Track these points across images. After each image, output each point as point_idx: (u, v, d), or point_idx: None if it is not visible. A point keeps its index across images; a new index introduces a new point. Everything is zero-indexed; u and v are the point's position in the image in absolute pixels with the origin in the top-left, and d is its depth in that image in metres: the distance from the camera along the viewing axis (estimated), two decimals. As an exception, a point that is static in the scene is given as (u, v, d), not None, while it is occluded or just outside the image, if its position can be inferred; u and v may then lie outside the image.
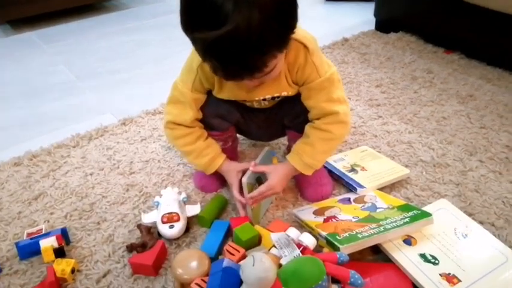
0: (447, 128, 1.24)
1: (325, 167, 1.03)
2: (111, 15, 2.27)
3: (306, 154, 0.89)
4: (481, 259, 0.79)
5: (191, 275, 0.76)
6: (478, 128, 1.23)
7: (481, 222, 0.90)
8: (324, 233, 0.81)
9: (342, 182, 1.03)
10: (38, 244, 0.85)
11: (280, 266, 0.73)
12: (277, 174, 0.90)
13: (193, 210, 0.93)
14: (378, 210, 0.90)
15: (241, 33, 0.62)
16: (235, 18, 0.61)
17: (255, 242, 0.85)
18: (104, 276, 0.83)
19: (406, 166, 1.08)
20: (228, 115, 0.96)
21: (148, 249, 0.85)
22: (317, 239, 0.80)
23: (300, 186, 1.01)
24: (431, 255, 0.79)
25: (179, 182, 1.07)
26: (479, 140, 1.18)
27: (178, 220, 0.88)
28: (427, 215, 0.83)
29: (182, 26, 0.68)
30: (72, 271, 0.82)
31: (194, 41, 0.69)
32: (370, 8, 1.89)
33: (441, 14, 1.61)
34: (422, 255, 0.79)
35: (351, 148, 1.17)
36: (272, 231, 0.84)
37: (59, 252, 0.85)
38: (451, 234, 0.84)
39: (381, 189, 1.00)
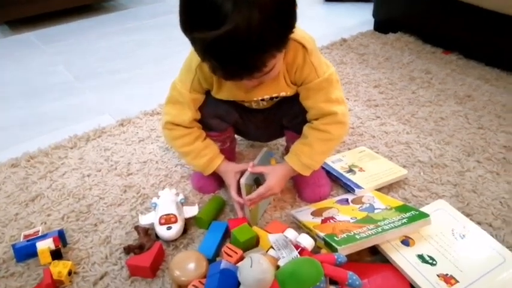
0: (445, 128, 1.24)
1: (323, 167, 1.03)
2: (110, 15, 2.26)
3: (304, 155, 0.89)
4: (478, 260, 0.79)
5: (189, 276, 0.76)
6: (475, 128, 1.23)
7: (478, 223, 0.90)
8: (321, 234, 0.81)
9: (339, 183, 1.03)
10: (35, 246, 0.84)
11: (278, 267, 0.73)
12: (275, 175, 0.90)
13: (191, 211, 0.93)
14: (375, 211, 0.89)
15: (240, 33, 0.62)
16: (235, 18, 0.61)
17: (253, 244, 0.84)
18: (101, 278, 0.83)
19: (404, 167, 1.08)
20: (226, 115, 0.96)
21: (146, 251, 0.84)
22: (315, 240, 0.80)
23: (298, 187, 1.01)
24: (429, 256, 0.79)
25: (177, 183, 1.06)
26: (477, 141, 1.18)
27: (176, 221, 0.88)
28: (424, 215, 0.83)
29: (181, 26, 0.68)
30: (69, 273, 0.82)
31: (193, 41, 0.69)
32: (369, 8, 1.89)
33: (440, 14, 1.61)
34: (420, 256, 0.79)
35: (349, 149, 1.17)
36: (270, 233, 0.84)
37: (56, 254, 0.85)
38: (448, 234, 0.84)
39: (379, 190, 1.00)
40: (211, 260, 0.81)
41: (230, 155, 1.05)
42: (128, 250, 0.87)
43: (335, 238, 0.78)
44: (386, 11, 1.82)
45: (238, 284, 0.68)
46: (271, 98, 0.91)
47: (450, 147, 1.16)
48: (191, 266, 0.78)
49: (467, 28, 1.54)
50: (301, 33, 0.81)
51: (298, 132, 0.92)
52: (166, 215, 0.89)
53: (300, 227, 0.90)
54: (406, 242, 0.82)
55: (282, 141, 1.17)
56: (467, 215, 0.92)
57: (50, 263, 0.83)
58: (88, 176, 1.10)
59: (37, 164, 1.15)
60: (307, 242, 0.78)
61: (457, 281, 0.74)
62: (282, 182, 0.92)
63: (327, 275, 0.69)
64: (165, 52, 1.81)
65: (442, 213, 0.89)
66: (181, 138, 0.93)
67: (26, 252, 0.86)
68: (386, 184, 1.01)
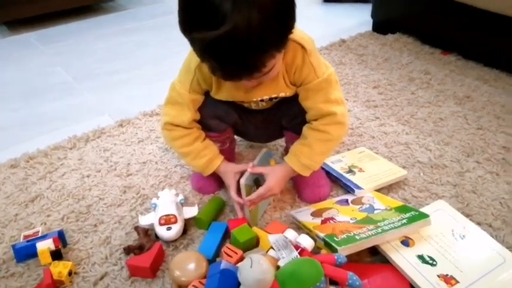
0: (444, 129, 1.24)
1: (322, 168, 1.03)
2: (109, 16, 2.26)
3: (304, 155, 0.89)
4: (478, 260, 0.79)
5: (189, 277, 0.76)
6: (475, 129, 1.23)
7: (478, 223, 0.91)
8: (321, 235, 0.81)
9: (339, 184, 1.03)
10: (35, 246, 0.84)
11: (278, 267, 0.73)
12: (275, 176, 0.90)
13: (191, 212, 0.93)
14: (375, 212, 0.90)
15: (240, 33, 0.62)
16: (234, 18, 0.61)
17: (253, 244, 0.84)
18: (101, 278, 0.83)
19: (404, 167, 1.08)
20: (225, 116, 0.96)
21: (146, 251, 0.84)
22: (315, 240, 0.80)
23: (298, 187, 1.01)
24: (429, 257, 0.79)
25: (176, 183, 1.06)
26: (476, 141, 1.18)
27: (175, 222, 0.88)
28: (424, 216, 0.83)
29: (180, 26, 0.68)
30: (69, 273, 0.82)
31: (192, 42, 0.69)
32: (368, 9, 1.89)
33: (438, 15, 1.62)
34: (420, 257, 0.79)
35: (349, 149, 1.17)
36: (270, 233, 0.84)
37: (56, 255, 0.85)
38: (448, 235, 0.84)
39: (379, 190, 1.00)
40: (211, 261, 0.81)
41: (230, 155, 1.05)
42: (128, 250, 0.87)
43: (335, 238, 0.78)
44: (385, 12, 1.83)
45: (238, 284, 0.68)
46: (271, 99, 0.91)
47: (449, 148, 1.16)
48: (191, 266, 0.78)
49: (465, 29, 1.54)
50: (300, 33, 0.81)
51: (298, 132, 0.92)
52: (166, 215, 0.89)
53: (300, 228, 0.90)
54: (406, 242, 0.82)
55: (281, 141, 1.17)
56: (467, 216, 0.92)
57: (50, 264, 0.83)
58: (88, 176, 1.10)
59: (36, 165, 1.14)
60: (307, 242, 0.78)
61: (457, 282, 0.74)
62: (281, 183, 0.92)
63: (327, 275, 0.69)
64: (164, 53, 1.81)
65: (441, 213, 0.90)
66: (180, 139, 0.93)
67: (26, 253, 0.86)
68: (386, 185, 1.02)
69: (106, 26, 2.12)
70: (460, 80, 1.50)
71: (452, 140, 1.19)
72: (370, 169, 1.05)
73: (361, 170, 1.05)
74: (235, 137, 1.09)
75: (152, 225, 0.89)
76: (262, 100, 0.91)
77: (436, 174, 1.07)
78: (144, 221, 0.91)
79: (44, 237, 0.87)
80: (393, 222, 0.82)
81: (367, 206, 0.93)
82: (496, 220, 0.93)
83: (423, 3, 1.65)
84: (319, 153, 0.90)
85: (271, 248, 0.78)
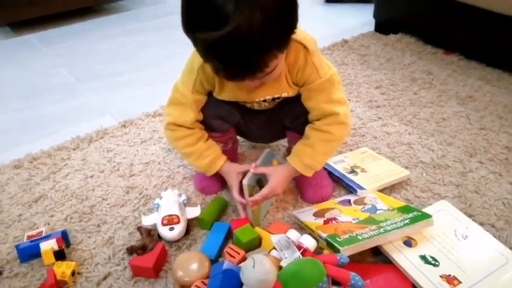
0: (447, 129, 1.24)
1: (325, 168, 1.03)
2: (111, 17, 2.27)
3: (306, 155, 0.89)
4: (481, 260, 0.79)
5: (191, 277, 0.76)
6: (477, 129, 1.23)
7: (481, 224, 0.90)
8: (324, 235, 0.81)
9: (342, 184, 1.03)
10: (38, 247, 0.85)
11: (280, 268, 0.73)
12: (277, 176, 0.90)
13: (194, 212, 0.93)
14: (378, 212, 0.90)
15: (242, 33, 0.62)
16: (237, 19, 0.61)
17: (255, 244, 0.85)
18: (104, 278, 0.83)
19: (406, 167, 1.08)
20: (228, 116, 0.96)
21: (149, 251, 0.84)
22: (317, 240, 0.80)
23: (300, 187, 1.01)
24: (431, 257, 0.79)
25: (179, 184, 1.07)
26: (479, 141, 1.18)
27: (178, 222, 0.88)
28: (427, 216, 0.83)
29: (183, 26, 0.68)
30: (73, 274, 0.82)
31: (195, 42, 0.69)
32: (370, 9, 1.89)
33: (440, 15, 1.62)
34: (423, 257, 0.79)
35: (351, 150, 1.17)
36: (272, 233, 0.84)
37: (59, 255, 0.85)
38: (451, 235, 0.84)
39: (381, 190, 1.00)
40: (213, 261, 0.82)
41: (232, 156, 1.06)
42: (131, 251, 0.87)
43: (337, 239, 0.78)
44: (387, 12, 1.83)
45: (241, 284, 0.68)
46: (273, 99, 0.91)
47: (452, 148, 1.16)
48: (194, 266, 0.78)
49: (467, 29, 1.54)
50: (303, 34, 0.82)
51: (300, 133, 0.93)
52: (168, 215, 0.89)
53: (302, 228, 0.90)
54: (408, 242, 0.82)
55: (283, 142, 1.17)
56: (470, 216, 0.92)
57: (54, 264, 0.83)
58: (91, 177, 1.10)
59: (40, 165, 1.15)
60: (309, 242, 0.78)
61: (459, 282, 0.74)
62: (284, 183, 0.92)
63: (330, 275, 0.69)
64: (166, 54, 1.81)
65: (444, 214, 0.89)
66: (183, 139, 0.93)
67: (29, 253, 0.86)
68: (389, 185, 1.02)
69: (108, 27, 2.13)
70: (463, 80, 1.50)
71: (454, 140, 1.19)
72: (372, 169, 1.05)
73: (363, 170, 1.05)
74: (238, 137, 1.09)
75: (155, 225, 0.90)
76: (264, 100, 0.91)
77: (439, 175, 1.07)
78: (147, 221, 0.92)
79: (47, 237, 0.88)
80: (396, 223, 0.82)
81: (370, 206, 0.93)
82: (499, 220, 0.93)
83: (425, 3, 1.65)
84: (321, 154, 0.90)
85: (274, 248, 0.78)
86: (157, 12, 2.30)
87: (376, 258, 0.84)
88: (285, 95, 0.89)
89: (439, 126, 1.26)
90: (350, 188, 1.01)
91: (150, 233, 0.89)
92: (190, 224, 0.93)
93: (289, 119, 0.97)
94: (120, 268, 0.85)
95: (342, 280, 0.69)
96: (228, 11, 0.62)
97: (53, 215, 0.99)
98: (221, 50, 0.65)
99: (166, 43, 1.91)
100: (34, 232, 0.92)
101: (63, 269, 0.81)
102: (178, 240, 0.89)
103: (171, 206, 0.91)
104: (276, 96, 0.89)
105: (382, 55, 1.69)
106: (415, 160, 1.12)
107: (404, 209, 0.88)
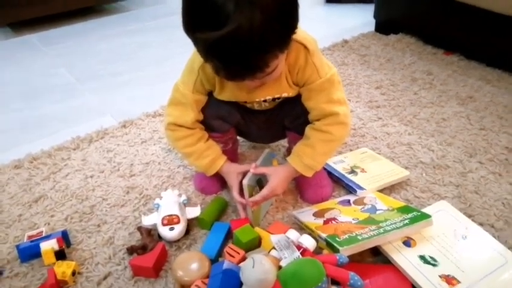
0: (447, 129, 1.24)
1: (325, 168, 1.03)
2: (112, 17, 2.27)
3: (306, 155, 0.90)
4: (480, 261, 0.79)
5: (191, 277, 0.76)
6: (477, 129, 1.23)
7: (480, 224, 0.91)
8: (323, 235, 0.81)
9: (341, 184, 1.03)
10: (39, 247, 0.85)
11: (280, 267, 0.74)
12: (277, 176, 0.90)
13: (194, 212, 0.93)
14: (377, 212, 0.90)
15: (242, 33, 0.62)
16: (237, 19, 0.61)
17: (255, 244, 0.85)
18: (105, 278, 0.83)
19: (406, 168, 1.08)
20: (228, 116, 0.96)
21: (149, 251, 0.85)
22: (317, 240, 0.81)
23: (300, 188, 1.02)
24: (430, 257, 0.79)
25: (179, 184, 1.07)
26: (479, 142, 1.18)
27: (178, 222, 0.88)
28: (426, 216, 0.83)
29: (184, 26, 0.68)
30: (73, 273, 0.82)
31: (196, 42, 0.69)
32: (370, 9, 1.89)
33: (440, 15, 1.62)
34: (422, 257, 0.79)
35: (351, 150, 1.17)
36: (272, 233, 0.84)
37: (60, 255, 0.85)
38: (450, 235, 0.84)
39: (381, 191, 1.00)
40: (213, 261, 0.82)
41: (232, 156, 1.06)
42: (131, 250, 0.87)
43: (337, 239, 0.79)
44: (387, 12, 1.83)
45: (241, 284, 0.68)
46: (273, 99, 0.91)
47: (452, 148, 1.16)
48: (194, 266, 0.78)
49: (468, 29, 1.54)
50: (303, 34, 0.82)
51: (300, 133, 0.93)
52: (168, 215, 0.89)
53: (302, 228, 0.90)
54: (407, 242, 0.82)
55: (283, 142, 1.17)
56: (470, 216, 0.92)
57: (54, 264, 0.83)
58: (91, 177, 1.11)
59: (40, 165, 1.15)
60: (309, 242, 0.78)
61: (458, 282, 0.74)
62: (284, 183, 0.92)
63: (329, 275, 0.69)
64: (166, 54, 1.81)
65: (444, 214, 0.90)
66: (183, 139, 0.94)
67: (30, 253, 0.86)
68: (388, 185, 1.02)
69: (108, 28, 2.13)
70: (463, 80, 1.50)
71: (454, 140, 1.19)
72: (372, 170, 1.05)
73: (363, 170, 1.05)
74: (238, 137, 1.09)
75: (155, 225, 0.90)
76: (265, 100, 0.91)
77: (439, 175, 1.07)
78: (147, 221, 0.92)
79: (47, 237, 0.88)
80: (395, 223, 0.82)
81: (369, 206, 0.93)
82: (499, 221, 0.93)
83: (426, 3, 1.65)
84: (321, 154, 0.90)
85: (273, 248, 0.78)
86: (157, 13, 2.30)
87: (376, 258, 0.84)
88: (285, 95, 0.89)
89: (439, 126, 1.26)
90: (350, 188, 1.01)
91: (150, 233, 0.89)
92: (190, 224, 0.93)
93: (289, 119, 0.97)
94: (120, 268, 0.85)
95: (341, 280, 0.69)
96: (228, 10, 0.62)
97: (53, 215, 0.99)
98: (221, 50, 0.65)
99: (166, 43, 1.91)
100: (34, 232, 0.92)
101: (63, 269, 0.81)
102: (178, 240, 0.89)
103: (171, 206, 0.91)
104: (276, 96, 0.89)
105: (383, 55, 1.70)
106: (415, 160, 1.12)
107: (403, 209, 0.88)
